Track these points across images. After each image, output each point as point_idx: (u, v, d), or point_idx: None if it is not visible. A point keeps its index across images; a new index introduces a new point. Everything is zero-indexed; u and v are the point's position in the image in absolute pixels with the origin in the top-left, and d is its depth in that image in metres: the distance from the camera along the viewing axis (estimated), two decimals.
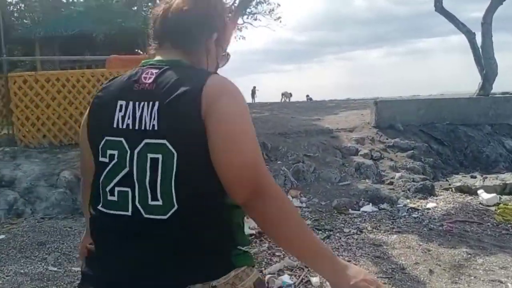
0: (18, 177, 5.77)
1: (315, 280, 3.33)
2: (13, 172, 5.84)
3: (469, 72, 9.54)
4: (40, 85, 6.51)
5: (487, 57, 8.76)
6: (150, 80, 1.03)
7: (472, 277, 3.32)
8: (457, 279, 3.31)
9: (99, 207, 1.06)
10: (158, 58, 1.12)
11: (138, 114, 1.01)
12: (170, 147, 0.96)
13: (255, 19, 17.73)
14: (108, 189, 1.03)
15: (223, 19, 1.19)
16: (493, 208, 5.41)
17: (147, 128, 0.99)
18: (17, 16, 16.00)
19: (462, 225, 4.67)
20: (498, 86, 10.42)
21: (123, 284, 1.01)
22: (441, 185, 6.49)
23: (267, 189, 0.98)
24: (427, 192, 6.01)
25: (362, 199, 5.84)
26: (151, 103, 1.00)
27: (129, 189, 1.00)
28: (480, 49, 8.83)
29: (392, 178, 6.55)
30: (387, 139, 7.53)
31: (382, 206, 5.61)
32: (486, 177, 6.60)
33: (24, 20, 15.58)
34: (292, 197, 5.98)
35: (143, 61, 1.12)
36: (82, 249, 1.25)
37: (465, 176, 6.86)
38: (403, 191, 6.08)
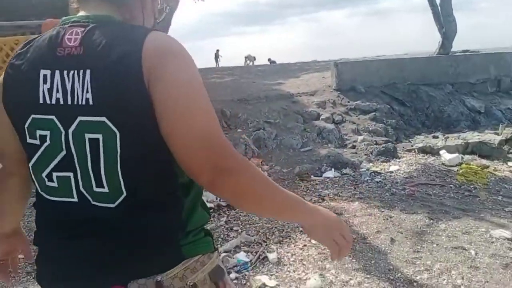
0: None
1: (272, 256, 3.12)
2: None
3: (432, 31, 9.36)
4: None
5: (446, 15, 8.59)
6: (76, 43, 0.85)
7: (435, 245, 3.19)
8: (419, 247, 3.17)
9: (41, 192, 0.93)
10: (82, 13, 0.93)
11: (69, 86, 0.84)
12: (111, 125, 0.82)
13: None
14: (44, 174, 0.89)
15: None
16: (455, 169, 5.36)
17: (80, 102, 0.83)
18: None
19: (424, 188, 4.57)
20: (459, 45, 10.38)
21: (70, 277, 0.90)
22: (403, 147, 6.39)
23: (233, 164, 0.82)
24: (390, 154, 5.89)
25: (325, 165, 5.66)
26: (81, 71, 0.83)
27: (71, 174, 0.87)
28: (439, 7, 8.65)
29: (354, 141, 6.40)
30: (348, 101, 7.33)
31: (344, 171, 5.46)
32: (448, 137, 6.55)
33: None
34: None
35: (63, 18, 0.92)
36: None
37: (427, 137, 6.80)
38: (365, 154, 5.94)
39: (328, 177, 5.28)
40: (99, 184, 0.85)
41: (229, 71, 12.48)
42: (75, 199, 0.88)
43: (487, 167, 5.50)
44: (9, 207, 1.06)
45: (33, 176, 0.92)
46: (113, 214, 0.86)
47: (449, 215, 3.74)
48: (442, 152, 5.88)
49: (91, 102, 0.82)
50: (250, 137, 6.22)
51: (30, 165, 0.91)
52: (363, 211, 3.98)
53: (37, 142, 0.88)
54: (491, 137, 6.51)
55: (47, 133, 0.87)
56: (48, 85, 0.85)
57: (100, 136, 0.83)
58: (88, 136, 0.83)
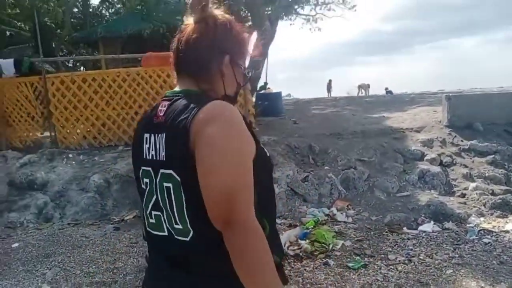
0: (51, 180, 5.67)
1: None
2: (47, 175, 5.75)
3: None
4: (77, 85, 6.39)
5: None
6: (162, 113, 1.08)
7: None
8: None
9: (147, 228, 1.17)
10: (175, 89, 1.16)
11: (157, 146, 1.07)
12: (176, 176, 1.02)
13: (329, 10, 16.62)
14: (148, 212, 1.14)
15: (236, 37, 1.16)
16: None
17: (160, 158, 1.06)
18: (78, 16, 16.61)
19: None
20: None
21: None
22: None
23: (240, 221, 0.93)
24: (508, 208, 4.81)
25: (423, 215, 4.84)
26: (161, 135, 1.05)
27: (160, 213, 1.09)
28: None
29: (464, 189, 5.40)
30: (461, 141, 6.31)
31: (446, 225, 4.58)
32: None
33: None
34: (338, 210, 5.16)
35: (166, 92, 1.17)
36: None
37: None
38: (476, 206, 4.95)
39: (424, 231, 4.47)
40: (176, 222, 1.05)
41: (334, 102, 11.99)
42: (166, 233, 1.09)
43: None
44: None
45: (144, 212, 1.15)
46: (188, 247, 1.03)
47: None
48: None
49: (164, 159, 1.04)
50: (338, 177, 5.67)
51: (143, 203, 1.15)
52: (457, 283, 3.18)
53: (144, 187, 1.13)
54: None
55: (148, 181, 1.11)
56: (147, 145, 1.10)
57: (170, 185, 1.03)
58: (165, 184, 1.05)
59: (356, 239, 4.30)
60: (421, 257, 3.75)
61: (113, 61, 11.30)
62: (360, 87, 24.27)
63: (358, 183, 5.61)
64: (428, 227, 4.55)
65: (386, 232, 4.48)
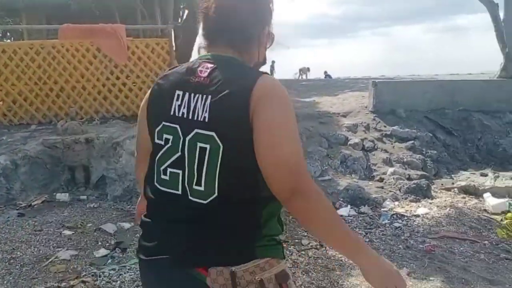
0: None
1: None
2: None
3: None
4: None
5: (511, 32, 7.40)
6: (205, 74, 1.10)
7: None
8: None
9: (155, 183, 1.17)
10: (213, 53, 1.16)
11: (192, 105, 1.09)
12: (218, 140, 1.05)
13: None
14: (161, 168, 1.14)
15: (270, 7, 1.21)
16: (499, 218, 4.39)
17: (199, 119, 1.07)
18: None
19: (450, 243, 3.69)
20: None
21: (169, 249, 1.10)
22: (442, 184, 5.45)
23: (306, 189, 1.01)
24: (421, 193, 4.99)
25: (341, 199, 4.91)
26: (204, 96, 1.08)
27: (180, 171, 1.10)
28: (503, 23, 7.48)
29: (383, 173, 5.55)
30: (384, 126, 6.47)
31: (362, 209, 4.67)
32: (498, 176, 5.51)
33: None
34: None
35: (200, 55, 1.20)
36: (138, 212, 1.40)
37: (474, 173, 5.79)
38: (392, 191, 5.09)
39: (341, 216, 4.53)
40: (198, 183, 1.07)
41: None
42: (179, 192, 1.10)
43: None
44: (142, 181, 1.30)
45: (155, 168, 1.15)
46: (204, 209, 1.07)
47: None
48: (486, 195, 4.89)
49: (206, 120, 1.06)
50: None
51: (155, 160, 1.15)
52: None
53: (162, 143, 1.14)
54: None
55: (171, 137, 1.12)
56: (179, 102, 1.12)
57: (208, 146, 1.06)
58: (199, 144, 1.07)
59: None
60: None
61: (37, 33, 10.45)
62: (300, 70, 24.45)
63: None
64: (345, 211, 4.62)
65: None
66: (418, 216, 4.39)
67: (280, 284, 1.09)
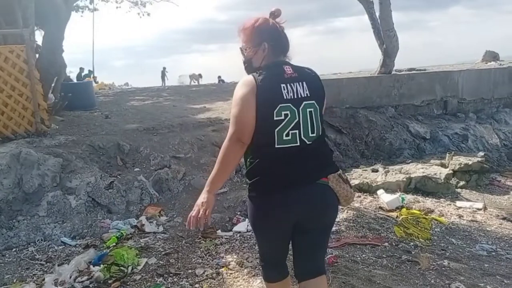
0: None
1: None
2: None
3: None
4: None
5: (386, 29, 7.74)
6: (292, 71, 1.85)
7: None
8: None
9: (277, 146, 1.79)
10: (281, 60, 1.92)
11: (295, 89, 1.80)
12: (316, 104, 1.85)
13: None
14: (284, 133, 1.78)
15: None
16: (394, 214, 4.38)
17: (303, 95, 1.81)
18: None
19: (352, 250, 3.51)
20: (409, 64, 9.65)
21: (302, 176, 1.83)
22: None
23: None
24: None
25: (238, 213, 4.55)
26: (300, 82, 1.83)
27: (297, 131, 1.79)
28: (379, 20, 7.84)
29: None
30: None
31: None
32: (389, 170, 5.62)
33: None
34: (148, 219, 4.53)
35: (276, 61, 1.89)
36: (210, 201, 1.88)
37: (365, 170, 5.84)
38: None
39: (238, 232, 4.16)
40: (313, 131, 1.83)
41: (158, 92, 11.26)
42: (298, 144, 1.80)
43: (432, 211, 4.56)
44: (229, 175, 2.24)
45: (276, 136, 1.78)
46: (317, 145, 1.85)
47: None
48: (380, 192, 4.91)
49: (308, 95, 1.83)
50: (150, 178, 5.02)
51: (276, 130, 1.77)
52: None
53: (282, 117, 1.77)
54: (436, 169, 5.63)
55: (288, 112, 1.78)
56: (286, 91, 1.80)
57: (313, 110, 1.84)
58: (308, 110, 1.82)
59: (164, 252, 3.74)
60: (231, 267, 3.38)
61: None
62: (191, 77, 23.88)
63: (173, 184, 5.07)
64: (243, 226, 4.27)
65: (199, 239, 4.04)
66: None
67: (340, 175, 1.92)
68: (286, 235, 1.92)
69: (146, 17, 18.58)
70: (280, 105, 1.75)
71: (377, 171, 5.74)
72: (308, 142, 1.79)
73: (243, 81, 1.80)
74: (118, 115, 7.15)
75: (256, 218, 1.90)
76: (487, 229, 4.13)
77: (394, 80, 7.60)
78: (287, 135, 1.76)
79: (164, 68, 26.61)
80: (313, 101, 1.81)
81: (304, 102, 1.79)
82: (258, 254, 2.20)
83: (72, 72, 19.58)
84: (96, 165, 5.03)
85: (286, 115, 1.75)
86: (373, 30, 8.18)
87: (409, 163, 6.04)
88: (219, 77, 24.78)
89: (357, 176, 5.64)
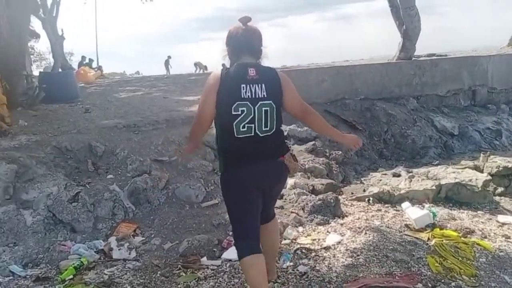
0: None
1: None
2: None
3: (396, 35, 7.53)
4: None
5: (406, 6, 6.73)
6: (254, 73, 2.16)
7: None
8: None
9: (236, 135, 2.17)
10: (246, 61, 2.22)
11: (253, 90, 2.14)
12: (273, 104, 2.19)
13: None
14: (241, 126, 2.15)
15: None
16: (425, 237, 3.49)
17: (260, 96, 2.15)
18: None
19: None
20: (423, 50, 8.66)
21: (259, 159, 2.24)
22: (352, 193, 4.49)
23: (310, 109, 2.41)
24: (329, 211, 3.96)
25: (230, 234, 3.67)
26: (260, 84, 2.16)
27: (253, 125, 2.16)
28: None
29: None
30: None
31: None
32: (413, 176, 4.70)
33: None
34: (119, 240, 3.67)
35: (239, 63, 2.21)
36: (189, 147, 2.66)
37: (385, 174, 4.94)
38: (294, 211, 3.99)
39: (229, 260, 3.30)
40: (266, 126, 2.19)
41: (154, 82, 10.36)
42: (252, 134, 2.18)
43: (472, 231, 3.65)
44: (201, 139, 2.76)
45: (234, 128, 2.15)
46: (270, 137, 2.23)
47: None
48: (405, 206, 4.00)
49: (265, 96, 2.17)
50: (125, 188, 4.16)
51: (234, 123, 2.14)
52: None
53: (239, 113, 2.14)
54: (471, 174, 4.70)
55: (244, 109, 2.14)
56: (245, 90, 2.14)
57: (268, 109, 2.18)
58: (264, 108, 2.17)
59: None
60: None
61: None
62: (196, 65, 22.90)
63: (152, 195, 4.20)
64: (234, 252, 3.36)
65: (179, 269, 3.18)
66: (328, 249, 3.31)
67: (291, 154, 2.37)
68: (253, 197, 2.31)
69: (149, 3, 18.27)
70: (238, 102, 2.14)
71: (399, 175, 4.84)
72: (261, 135, 2.20)
73: (212, 75, 2.23)
74: (100, 109, 6.28)
75: (227, 183, 2.34)
76: None
77: (416, 66, 6.63)
78: (244, 127, 2.17)
79: (169, 57, 25.78)
80: (270, 101, 2.19)
81: (260, 102, 2.17)
82: (232, 233, 2.71)
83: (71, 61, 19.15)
84: (61, 172, 4.19)
85: (242, 111, 2.15)
86: (391, 9, 7.19)
87: (436, 165, 5.12)
88: (223, 65, 23.79)
89: (375, 182, 4.74)
